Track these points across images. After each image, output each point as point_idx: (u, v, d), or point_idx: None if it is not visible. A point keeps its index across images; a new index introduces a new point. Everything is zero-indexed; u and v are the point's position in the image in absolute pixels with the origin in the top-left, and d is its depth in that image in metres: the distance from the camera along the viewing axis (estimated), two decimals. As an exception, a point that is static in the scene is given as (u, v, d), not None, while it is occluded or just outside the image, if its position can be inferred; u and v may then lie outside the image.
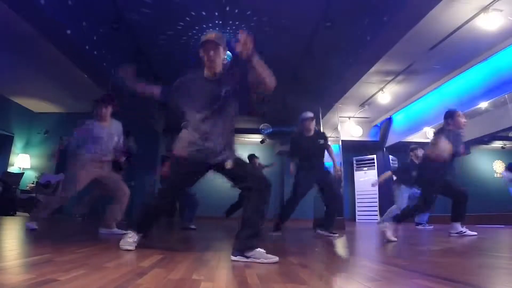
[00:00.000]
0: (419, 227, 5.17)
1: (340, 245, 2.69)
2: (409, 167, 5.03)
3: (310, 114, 3.74)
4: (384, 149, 7.91)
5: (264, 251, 1.60)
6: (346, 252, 2.21)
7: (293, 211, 3.71)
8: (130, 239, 1.85)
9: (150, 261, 1.45)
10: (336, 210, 3.62)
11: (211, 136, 1.79)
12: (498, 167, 8.29)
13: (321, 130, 3.92)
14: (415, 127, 6.92)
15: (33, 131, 8.25)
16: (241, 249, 1.62)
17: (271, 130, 8.77)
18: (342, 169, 4.13)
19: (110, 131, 2.97)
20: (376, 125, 8.10)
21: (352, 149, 8.10)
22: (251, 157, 5.87)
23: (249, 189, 1.72)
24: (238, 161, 1.84)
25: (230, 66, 1.94)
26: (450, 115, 3.26)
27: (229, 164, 1.77)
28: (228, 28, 5.11)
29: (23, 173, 7.27)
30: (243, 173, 1.79)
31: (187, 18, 4.87)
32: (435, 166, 3.12)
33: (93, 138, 2.90)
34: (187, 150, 1.81)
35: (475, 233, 3.20)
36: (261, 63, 1.73)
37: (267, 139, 8.99)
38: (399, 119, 7.47)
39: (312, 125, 3.71)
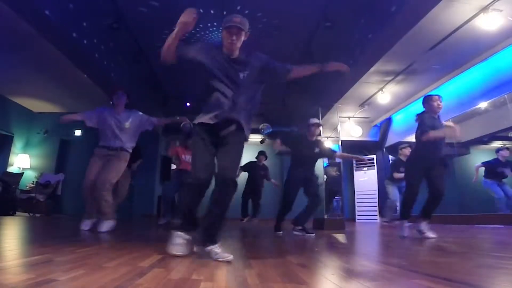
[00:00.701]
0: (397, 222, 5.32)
1: (340, 245, 2.69)
2: (398, 164, 5.50)
3: (317, 120, 3.90)
4: (384, 149, 7.91)
5: (219, 250, 1.60)
6: (346, 252, 2.21)
7: (289, 210, 3.75)
8: (179, 240, 1.72)
9: (150, 261, 1.45)
10: (314, 210, 3.72)
11: (229, 109, 1.76)
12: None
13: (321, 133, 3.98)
14: (415, 127, 6.91)
15: (32, 131, 8.24)
16: (202, 240, 1.63)
17: (271, 130, 8.77)
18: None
19: (121, 119, 3.04)
20: (376, 125, 8.10)
21: (351, 149, 8.10)
22: (260, 153, 5.99)
23: (216, 179, 1.68)
24: (234, 141, 1.76)
25: (248, 51, 1.90)
26: (425, 100, 3.28)
27: (231, 129, 1.73)
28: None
29: (23, 173, 7.27)
30: (221, 158, 1.73)
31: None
32: (416, 149, 3.26)
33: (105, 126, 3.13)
34: (206, 116, 1.78)
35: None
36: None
37: (267, 139, 8.99)
38: (399, 119, 7.48)
39: (317, 131, 3.84)
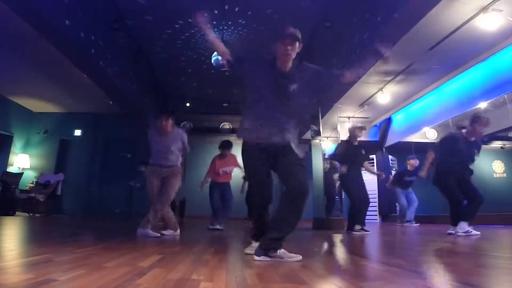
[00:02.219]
0: (406, 224, 5.60)
1: (340, 245, 2.69)
2: (403, 173, 5.87)
3: (360, 124, 4.18)
4: (384, 149, 7.91)
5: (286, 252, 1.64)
6: (346, 252, 2.21)
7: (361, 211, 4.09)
8: (255, 244, 1.78)
9: (150, 261, 1.45)
10: (366, 209, 4.12)
11: (272, 126, 1.78)
12: (498, 167, 8.30)
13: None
14: (415, 127, 6.92)
15: (32, 131, 8.24)
16: (266, 249, 1.63)
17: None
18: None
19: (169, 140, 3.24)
20: (375, 125, 8.10)
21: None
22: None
23: (284, 192, 1.72)
24: (294, 157, 1.78)
25: (299, 62, 1.93)
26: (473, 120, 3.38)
27: (289, 146, 1.77)
28: (228, 28, 5.11)
29: (23, 173, 7.27)
30: (286, 172, 1.75)
31: (187, 19, 4.86)
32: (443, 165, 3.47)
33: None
34: (248, 137, 1.83)
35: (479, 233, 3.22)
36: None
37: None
38: (399, 119, 7.48)
39: (361, 134, 4.11)
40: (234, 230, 4.45)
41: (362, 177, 4.12)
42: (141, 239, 2.72)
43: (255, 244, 1.79)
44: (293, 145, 1.79)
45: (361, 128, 4.09)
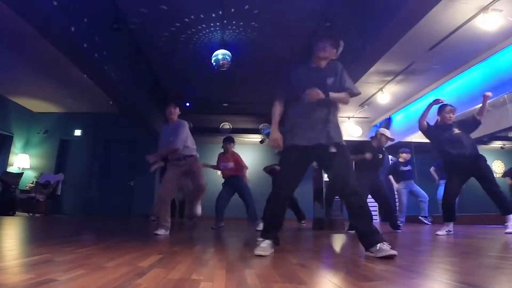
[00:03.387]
0: (424, 220, 5.69)
1: (340, 245, 2.69)
2: (397, 165, 5.83)
3: (391, 136, 4.22)
4: (384, 149, 7.91)
5: (385, 246, 1.66)
6: (346, 252, 2.21)
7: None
8: (264, 244, 1.81)
9: (149, 261, 1.45)
10: (390, 212, 4.14)
11: (315, 123, 1.88)
12: (498, 167, 8.29)
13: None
14: (415, 127, 6.90)
15: (32, 131, 8.25)
16: (366, 247, 1.72)
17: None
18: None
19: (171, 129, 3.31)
20: (375, 125, 8.10)
21: (351, 149, 8.11)
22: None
23: (343, 195, 1.82)
24: (342, 154, 1.86)
25: (332, 60, 2.03)
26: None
27: (332, 149, 1.83)
28: (228, 28, 5.11)
29: (23, 173, 7.27)
30: (338, 171, 1.84)
31: (187, 19, 4.87)
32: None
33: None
34: (293, 138, 1.91)
35: None
36: (335, 96, 1.91)
37: (267, 139, 8.99)
38: (399, 119, 7.48)
39: (385, 143, 4.18)
40: (234, 230, 4.45)
41: (379, 180, 4.11)
42: (141, 239, 2.72)
43: (264, 244, 1.80)
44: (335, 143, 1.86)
45: (388, 139, 4.13)
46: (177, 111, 3.36)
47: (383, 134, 4.12)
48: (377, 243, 1.67)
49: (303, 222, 5.71)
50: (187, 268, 1.31)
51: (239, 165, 4.78)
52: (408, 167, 5.72)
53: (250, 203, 4.52)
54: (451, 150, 3.36)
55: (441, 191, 5.74)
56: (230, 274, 1.26)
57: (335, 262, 1.79)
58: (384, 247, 1.64)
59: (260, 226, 4.32)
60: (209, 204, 4.85)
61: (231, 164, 4.73)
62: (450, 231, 3.32)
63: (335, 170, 1.85)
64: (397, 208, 5.93)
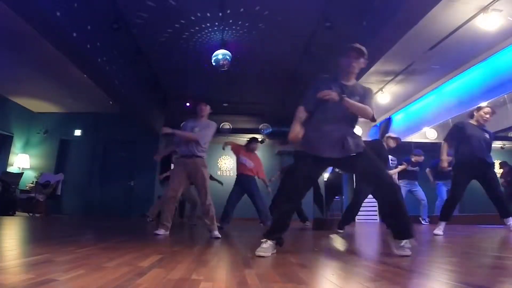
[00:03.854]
0: (423, 222, 5.67)
1: (340, 245, 2.69)
2: (407, 162, 5.75)
3: (396, 136, 4.23)
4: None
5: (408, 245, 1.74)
6: (346, 252, 2.21)
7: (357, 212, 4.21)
8: (265, 245, 1.81)
9: (149, 261, 1.45)
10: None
11: (332, 136, 1.90)
12: (497, 167, 8.29)
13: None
14: (415, 127, 6.92)
15: (32, 131, 8.24)
16: (396, 236, 1.77)
17: (270, 130, 8.77)
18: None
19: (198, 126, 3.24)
20: (375, 125, 8.10)
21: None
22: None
23: (378, 192, 1.90)
24: (366, 155, 1.89)
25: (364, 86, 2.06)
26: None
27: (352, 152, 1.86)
28: (228, 28, 5.11)
29: (23, 173, 7.27)
30: (372, 173, 1.88)
31: (187, 19, 4.87)
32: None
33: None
34: (310, 148, 1.93)
35: None
36: (351, 103, 1.88)
37: (267, 139, 9.00)
38: (399, 119, 7.48)
39: (392, 145, 4.17)
40: (235, 230, 4.45)
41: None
42: (141, 239, 2.72)
43: (266, 245, 1.80)
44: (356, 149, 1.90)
45: (395, 140, 4.13)
46: (208, 109, 3.31)
47: (389, 137, 4.15)
48: (403, 239, 1.74)
49: (307, 223, 5.72)
50: (187, 268, 1.31)
51: (259, 169, 4.80)
52: (416, 168, 5.71)
53: (262, 208, 4.57)
54: (471, 149, 3.33)
55: (442, 191, 5.75)
56: (230, 274, 1.26)
57: (335, 262, 1.79)
58: (406, 246, 1.73)
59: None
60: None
61: (252, 164, 4.70)
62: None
63: (364, 171, 1.90)
64: None
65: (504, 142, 8.06)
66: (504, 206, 3.23)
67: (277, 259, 1.68)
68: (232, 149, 4.85)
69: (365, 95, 1.98)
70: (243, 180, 4.62)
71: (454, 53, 4.66)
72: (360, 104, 1.90)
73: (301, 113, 2.00)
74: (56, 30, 3.98)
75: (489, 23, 3.71)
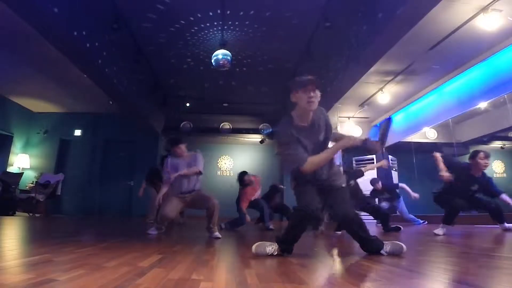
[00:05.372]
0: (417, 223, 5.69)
1: (340, 245, 2.69)
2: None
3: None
4: (384, 149, 7.91)
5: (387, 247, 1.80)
6: (345, 252, 2.21)
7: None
8: (269, 248, 1.79)
9: (149, 261, 1.45)
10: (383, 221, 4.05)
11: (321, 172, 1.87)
12: (497, 167, 8.29)
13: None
14: (415, 127, 6.93)
15: (32, 131, 8.24)
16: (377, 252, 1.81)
17: (270, 130, 8.77)
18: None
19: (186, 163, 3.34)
20: (375, 125, 8.10)
21: (351, 149, 8.09)
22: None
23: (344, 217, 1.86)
24: (342, 193, 1.91)
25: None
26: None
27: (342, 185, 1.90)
28: (228, 28, 5.11)
29: (23, 173, 7.27)
30: (338, 203, 1.88)
31: (187, 19, 4.87)
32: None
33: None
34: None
35: None
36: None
37: (267, 139, 9.00)
38: (399, 119, 7.48)
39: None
40: (235, 230, 4.45)
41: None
42: (141, 239, 2.72)
43: (270, 248, 1.79)
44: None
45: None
46: (184, 146, 3.38)
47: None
48: (380, 250, 1.80)
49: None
50: (187, 268, 1.31)
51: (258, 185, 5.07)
52: (386, 195, 5.71)
53: (266, 211, 4.83)
54: (460, 189, 3.42)
55: None
56: (230, 274, 1.26)
57: (335, 262, 1.79)
58: (390, 248, 1.80)
59: (271, 225, 4.67)
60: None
61: (259, 191, 5.04)
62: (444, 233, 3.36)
63: (336, 207, 1.87)
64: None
65: (504, 142, 8.06)
66: (499, 215, 3.40)
67: (277, 259, 1.68)
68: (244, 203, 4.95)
69: (326, 123, 1.88)
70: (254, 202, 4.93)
71: (454, 53, 4.66)
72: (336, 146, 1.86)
73: (314, 158, 1.78)
74: (56, 30, 3.98)
75: (489, 23, 3.71)
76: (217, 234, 3.09)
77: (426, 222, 5.76)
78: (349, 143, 1.82)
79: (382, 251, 1.80)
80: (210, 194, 3.32)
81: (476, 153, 3.40)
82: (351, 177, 3.99)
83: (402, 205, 5.79)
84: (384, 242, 1.84)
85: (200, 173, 3.28)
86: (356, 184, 4.13)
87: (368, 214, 4.29)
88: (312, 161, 1.75)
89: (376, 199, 5.74)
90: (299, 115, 1.82)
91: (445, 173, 3.42)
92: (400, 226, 3.98)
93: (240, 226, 4.72)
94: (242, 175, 4.97)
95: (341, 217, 1.87)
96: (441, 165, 3.46)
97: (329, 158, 1.83)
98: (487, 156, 3.35)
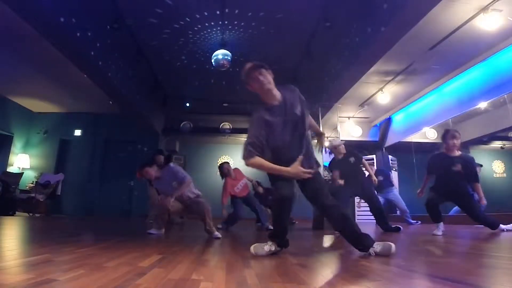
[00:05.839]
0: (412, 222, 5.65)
1: (340, 245, 2.69)
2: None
3: (339, 141, 4.15)
4: (384, 149, 7.92)
5: (378, 246, 1.70)
6: (345, 252, 2.21)
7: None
8: (266, 247, 1.81)
9: (149, 261, 1.45)
10: (379, 217, 3.91)
11: (293, 156, 1.79)
12: (498, 167, 8.30)
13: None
14: (415, 127, 6.93)
15: (32, 131, 8.25)
16: (363, 251, 1.73)
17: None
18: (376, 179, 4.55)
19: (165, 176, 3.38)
20: (375, 125, 8.10)
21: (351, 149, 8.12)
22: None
23: (322, 207, 1.82)
24: (318, 178, 1.87)
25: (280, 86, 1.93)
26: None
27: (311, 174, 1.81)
28: (228, 28, 5.11)
29: (23, 173, 7.27)
30: (312, 188, 1.85)
31: (187, 19, 4.86)
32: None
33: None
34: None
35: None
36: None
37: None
38: (399, 119, 7.48)
39: (343, 149, 4.05)
40: (235, 230, 4.45)
41: (366, 186, 4.00)
42: (141, 239, 2.72)
43: (267, 247, 1.80)
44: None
45: (338, 146, 4.05)
46: (151, 171, 3.36)
47: (333, 147, 4.09)
48: (368, 250, 1.70)
49: (294, 221, 5.96)
50: (187, 268, 1.31)
51: (243, 188, 4.91)
52: (380, 178, 5.65)
53: (259, 210, 4.80)
54: (441, 180, 3.37)
55: None
56: (230, 274, 1.26)
57: (335, 262, 1.79)
58: (378, 248, 1.69)
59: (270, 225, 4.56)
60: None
61: (243, 182, 4.84)
62: (443, 231, 3.33)
63: (312, 190, 1.84)
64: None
65: (504, 142, 8.06)
66: (487, 222, 3.30)
67: (277, 259, 1.68)
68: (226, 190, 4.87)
69: (300, 98, 1.91)
70: (243, 200, 4.84)
71: (454, 53, 4.66)
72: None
73: (262, 160, 1.76)
74: (56, 30, 3.98)
75: (489, 23, 3.71)
76: (216, 234, 3.11)
77: (420, 222, 5.77)
78: (295, 174, 1.74)
79: (370, 251, 1.70)
80: (202, 200, 3.36)
81: (445, 133, 3.38)
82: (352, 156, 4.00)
83: (397, 196, 5.75)
84: (376, 242, 1.74)
85: (190, 182, 3.32)
86: (358, 161, 4.03)
87: (364, 200, 4.14)
88: (257, 162, 1.75)
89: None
90: (266, 99, 1.87)
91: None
92: (400, 227, 3.95)
93: (235, 223, 4.70)
94: (221, 165, 4.91)
95: (320, 206, 1.83)
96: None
97: (272, 172, 1.79)
98: (453, 136, 3.30)
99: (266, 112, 1.82)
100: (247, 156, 1.75)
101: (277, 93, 1.85)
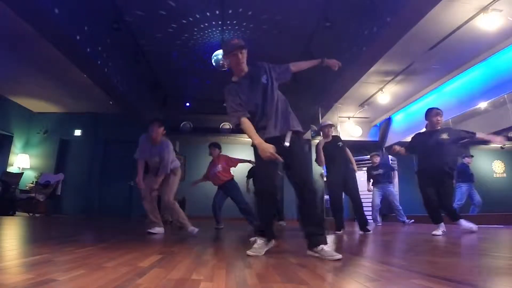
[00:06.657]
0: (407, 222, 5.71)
1: (340, 245, 2.69)
2: (370, 169, 5.85)
3: (328, 122, 4.09)
4: (384, 149, 7.92)
5: (329, 248, 1.65)
6: (345, 252, 2.21)
7: (341, 210, 4.03)
8: (257, 245, 1.82)
9: (149, 261, 1.45)
10: (358, 207, 3.99)
11: (273, 118, 1.91)
12: (497, 167, 8.30)
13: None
14: (415, 127, 6.92)
15: (32, 131, 8.24)
16: (309, 245, 1.71)
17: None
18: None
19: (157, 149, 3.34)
20: (375, 125, 8.10)
21: (351, 149, 8.10)
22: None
23: (296, 185, 1.81)
24: (295, 148, 1.86)
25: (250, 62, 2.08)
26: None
27: (286, 142, 1.83)
28: (228, 28, 5.11)
29: (23, 173, 7.27)
30: (293, 165, 1.85)
31: (187, 19, 4.86)
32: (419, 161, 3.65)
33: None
34: (264, 133, 1.89)
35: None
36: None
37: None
38: (399, 119, 7.48)
39: (331, 131, 4.02)
40: (234, 230, 4.45)
41: (349, 176, 3.97)
42: (141, 239, 2.72)
43: (257, 245, 1.81)
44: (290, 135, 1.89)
45: (327, 126, 4.00)
46: (161, 130, 3.30)
47: (321, 128, 4.03)
48: (320, 244, 1.67)
49: (281, 222, 5.83)
50: (187, 268, 1.31)
51: (231, 164, 4.78)
52: (380, 171, 5.67)
53: (242, 204, 4.50)
54: (426, 157, 3.39)
55: (473, 194, 5.71)
56: (230, 274, 1.26)
57: (334, 262, 1.79)
58: (328, 250, 1.64)
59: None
60: (205, 204, 4.88)
61: (219, 167, 4.69)
62: (444, 231, 3.33)
63: (293, 165, 1.84)
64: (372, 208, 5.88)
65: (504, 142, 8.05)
66: (451, 213, 3.35)
67: (277, 259, 1.68)
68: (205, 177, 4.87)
69: (268, 68, 2.06)
70: (222, 189, 4.73)
71: (454, 53, 4.66)
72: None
73: (247, 123, 1.87)
74: (56, 30, 3.98)
75: (489, 23, 3.72)
76: (191, 229, 3.13)
77: (413, 221, 5.78)
78: (262, 150, 1.77)
79: (316, 250, 1.66)
80: (174, 188, 3.31)
81: (428, 111, 3.48)
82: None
83: (392, 192, 5.76)
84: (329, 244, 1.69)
85: (167, 174, 3.27)
86: (345, 147, 4.02)
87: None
88: (245, 123, 1.87)
89: (371, 182, 5.73)
90: (236, 73, 2.02)
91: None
92: (370, 229, 3.86)
93: (216, 216, 4.65)
94: (209, 145, 4.89)
95: (300, 183, 1.79)
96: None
97: (249, 136, 1.87)
98: (437, 113, 3.41)
99: (235, 84, 1.98)
100: (235, 121, 1.89)
101: (245, 68, 2.02)
